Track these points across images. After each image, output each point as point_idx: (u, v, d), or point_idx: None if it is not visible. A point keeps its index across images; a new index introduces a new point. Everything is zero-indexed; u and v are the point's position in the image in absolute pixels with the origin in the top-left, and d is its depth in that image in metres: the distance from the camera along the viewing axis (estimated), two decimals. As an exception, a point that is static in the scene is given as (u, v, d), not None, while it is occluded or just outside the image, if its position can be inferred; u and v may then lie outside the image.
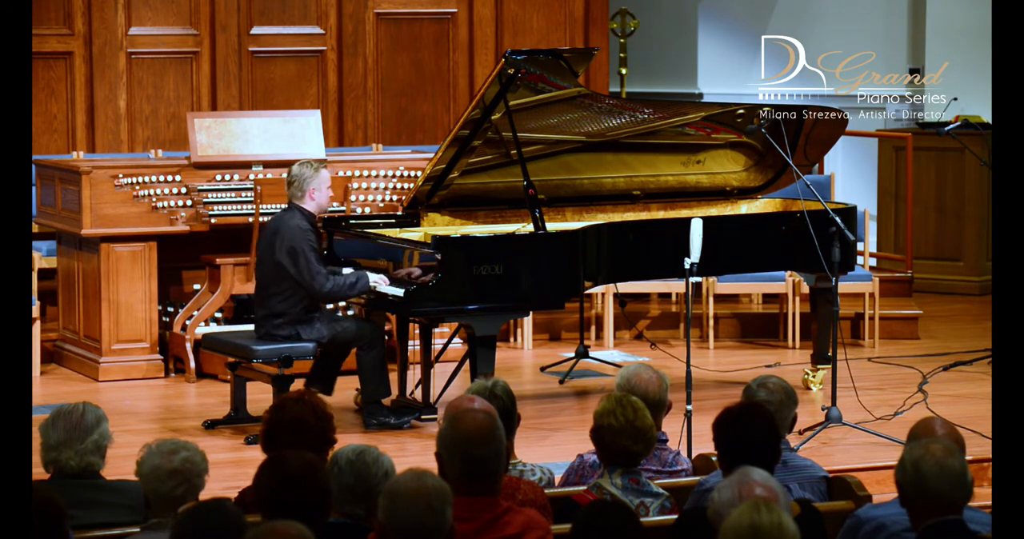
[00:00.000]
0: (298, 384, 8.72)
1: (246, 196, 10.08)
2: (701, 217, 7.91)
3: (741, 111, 9.74)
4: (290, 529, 4.06)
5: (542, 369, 10.41)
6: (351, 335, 8.77)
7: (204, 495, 4.87)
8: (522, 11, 12.45)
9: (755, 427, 5.24)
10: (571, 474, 6.09)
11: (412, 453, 8.30)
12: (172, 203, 10.00)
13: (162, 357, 10.11)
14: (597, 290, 11.03)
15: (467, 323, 8.58)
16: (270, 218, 9.03)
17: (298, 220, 8.69)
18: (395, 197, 10.32)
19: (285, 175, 8.95)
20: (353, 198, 10.25)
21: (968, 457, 5.03)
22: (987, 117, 12.18)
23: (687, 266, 7.74)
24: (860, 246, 11.13)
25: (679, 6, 14.35)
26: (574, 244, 8.75)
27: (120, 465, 5.75)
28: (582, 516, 4.55)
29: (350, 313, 10.13)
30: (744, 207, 10.19)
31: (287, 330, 8.70)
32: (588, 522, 4.52)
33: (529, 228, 8.95)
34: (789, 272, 10.82)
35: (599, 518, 4.50)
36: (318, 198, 8.77)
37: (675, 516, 5.30)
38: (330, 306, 9.52)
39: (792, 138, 9.68)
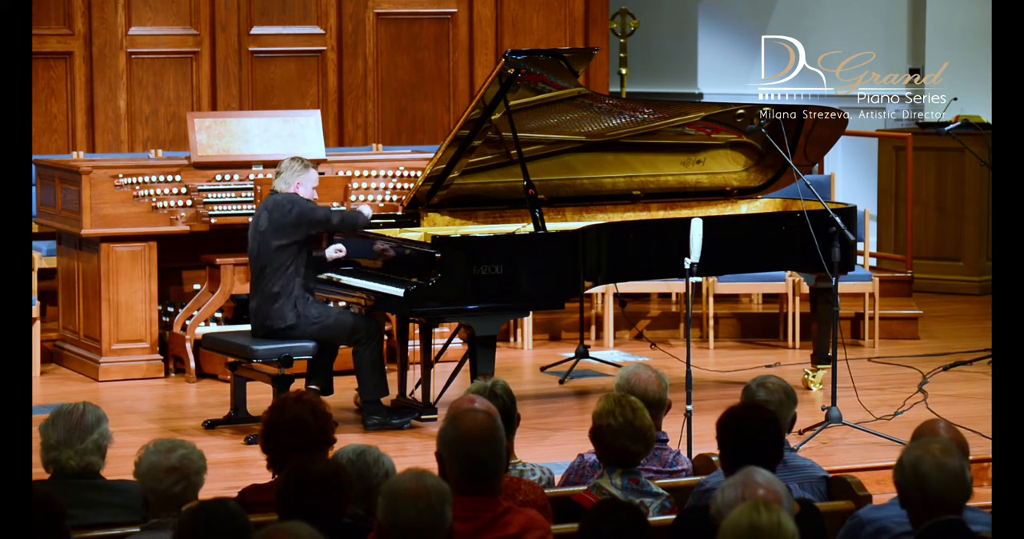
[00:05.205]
0: (298, 384, 8.73)
1: (246, 196, 10.08)
2: (701, 217, 7.91)
3: (741, 111, 9.74)
4: (299, 530, 4.07)
5: (542, 369, 10.41)
6: (348, 327, 8.78)
7: (204, 495, 4.88)
8: (522, 11, 12.45)
9: (758, 427, 5.24)
10: (571, 474, 6.09)
11: (412, 453, 8.30)
12: (172, 203, 10.00)
13: (162, 357, 10.11)
14: (597, 290, 11.04)
15: (467, 323, 8.58)
16: (255, 215, 9.02)
17: (278, 196, 8.75)
18: (395, 197, 10.32)
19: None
20: (353, 198, 10.25)
21: (968, 457, 5.03)
22: (987, 117, 12.18)
23: (687, 266, 7.74)
24: (860, 246, 11.13)
25: (679, 6, 14.35)
26: (574, 244, 8.75)
27: (120, 465, 5.75)
28: (590, 515, 4.55)
29: (350, 310, 10.13)
30: (744, 207, 10.19)
31: (289, 313, 8.66)
32: (596, 521, 4.52)
33: (529, 228, 8.95)
34: (789, 272, 10.83)
35: (607, 517, 4.50)
36: (301, 192, 8.79)
37: (675, 516, 5.30)
38: (330, 304, 9.51)
39: (792, 138, 9.69)
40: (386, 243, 8.91)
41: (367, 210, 9.03)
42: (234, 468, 8.01)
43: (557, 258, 8.70)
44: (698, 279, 10.86)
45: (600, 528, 4.49)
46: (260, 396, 8.90)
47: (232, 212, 10.02)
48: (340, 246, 9.07)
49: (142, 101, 11.70)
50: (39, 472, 5.32)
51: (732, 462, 5.15)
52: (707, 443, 6.50)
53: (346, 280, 9.02)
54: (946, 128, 11.30)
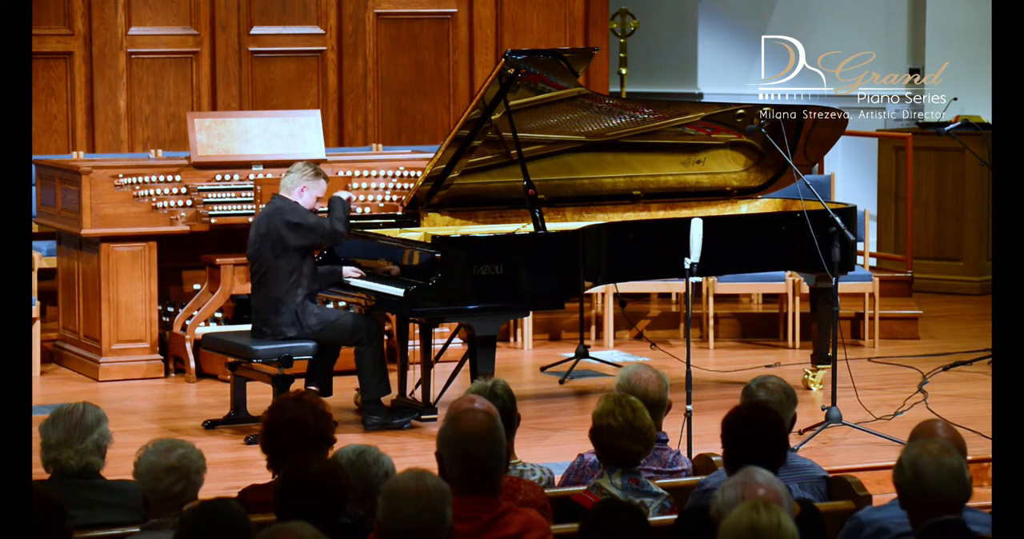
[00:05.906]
0: (298, 384, 8.73)
1: (246, 196, 10.08)
2: (701, 217, 7.91)
3: (741, 111, 9.74)
4: (301, 530, 4.08)
5: (542, 369, 10.41)
6: (348, 328, 8.77)
7: (204, 495, 4.88)
8: (522, 11, 12.45)
9: (763, 429, 5.24)
10: (571, 474, 6.09)
11: (412, 453, 8.30)
12: (172, 203, 10.00)
13: (162, 357, 10.11)
14: (597, 290, 11.04)
15: (467, 323, 8.58)
16: (256, 217, 9.03)
17: (282, 202, 8.73)
18: (395, 197, 10.32)
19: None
20: (353, 198, 10.24)
21: (968, 457, 5.02)
22: (987, 117, 12.18)
23: (687, 266, 7.74)
24: (860, 246, 11.13)
25: (679, 6, 14.35)
26: (574, 244, 8.75)
27: (120, 465, 5.75)
28: (590, 515, 4.55)
29: (350, 311, 10.14)
30: (744, 207, 10.19)
31: (290, 327, 8.66)
32: (596, 521, 4.51)
33: (529, 228, 8.95)
34: (789, 272, 10.83)
35: (607, 517, 4.50)
36: (305, 197, 8.78)
37: (675, 516, 5.30)
38: (330, 305, 9.52)
39: (792, 138, 9.69)
40: (390, 264, 8.88)
41: (343, 194, 8.99)
42: (234, 468, 8.01)
43: (557, 258, 8.70)
44: (698, 279, 10.86)
45: (600, 528, 4.49)
46: (260, 396, 8.90)
47: (232, 212, 10.03)
48: (358, 269, 9.02)
49: (142, 101, 11.70)
50: (39, 472, 5.32)
51: (736, 463, 5.15)
52: (707, 443, 6.50)
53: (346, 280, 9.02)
54: (946, 128, 11.30)
